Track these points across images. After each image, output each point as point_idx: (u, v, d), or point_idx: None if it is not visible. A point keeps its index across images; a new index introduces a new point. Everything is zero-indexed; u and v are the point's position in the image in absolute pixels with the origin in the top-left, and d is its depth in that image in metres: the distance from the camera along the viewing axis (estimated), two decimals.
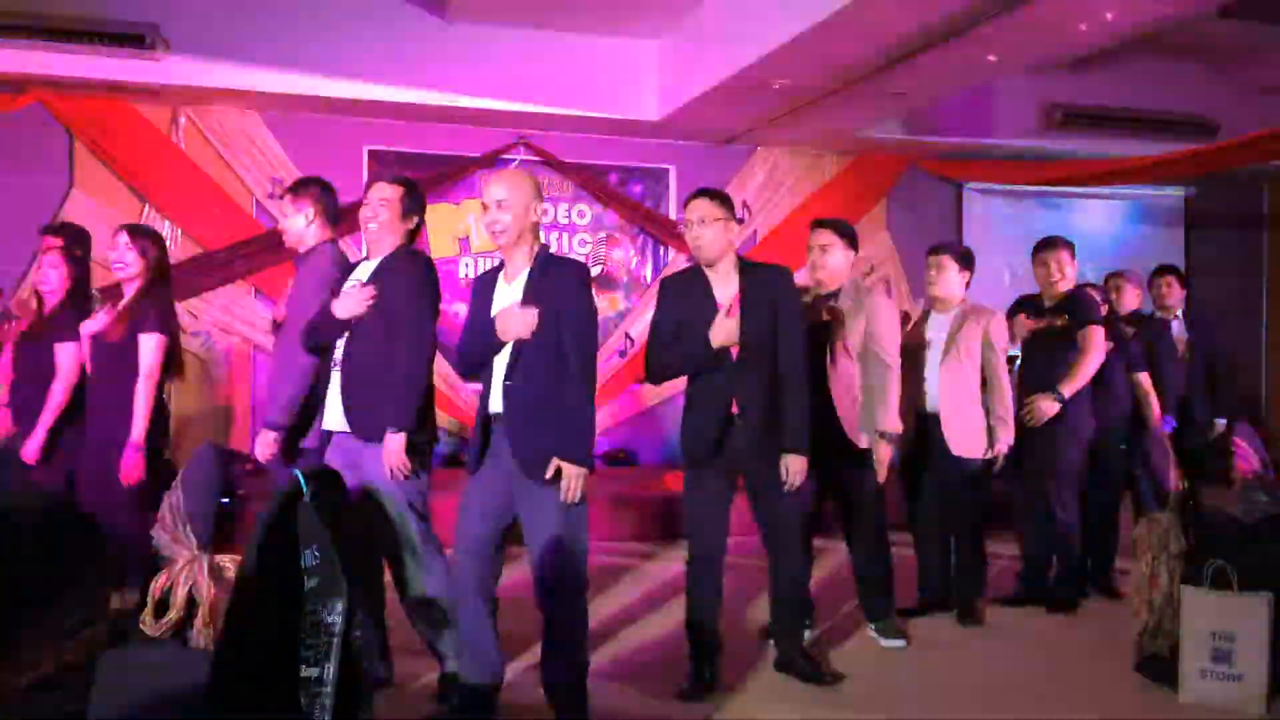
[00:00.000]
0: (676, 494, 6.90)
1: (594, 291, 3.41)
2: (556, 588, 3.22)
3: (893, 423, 4.24)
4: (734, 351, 3.63)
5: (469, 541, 3.29)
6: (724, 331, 3.59)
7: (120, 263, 4.18)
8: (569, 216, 8.33)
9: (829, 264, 4.30)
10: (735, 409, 3.64)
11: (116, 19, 6.45)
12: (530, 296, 3.25)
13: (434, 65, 7.22)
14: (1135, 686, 3.90)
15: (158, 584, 3.03)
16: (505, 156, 8.03)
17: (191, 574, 3.02)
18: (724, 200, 3.78)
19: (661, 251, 8.49)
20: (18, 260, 6.62)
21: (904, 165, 8.84)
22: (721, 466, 3.70)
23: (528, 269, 3.33)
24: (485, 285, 3.42)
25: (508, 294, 3.32)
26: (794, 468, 3.67)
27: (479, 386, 3.38)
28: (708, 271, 3.75)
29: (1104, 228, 9.50)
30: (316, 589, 1.97)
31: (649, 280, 8.36)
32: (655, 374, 3.81)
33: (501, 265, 3.43)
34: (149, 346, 4.09)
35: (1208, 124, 8.11)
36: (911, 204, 8.97)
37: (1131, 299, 5.76)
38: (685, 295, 3.74)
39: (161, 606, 2.99)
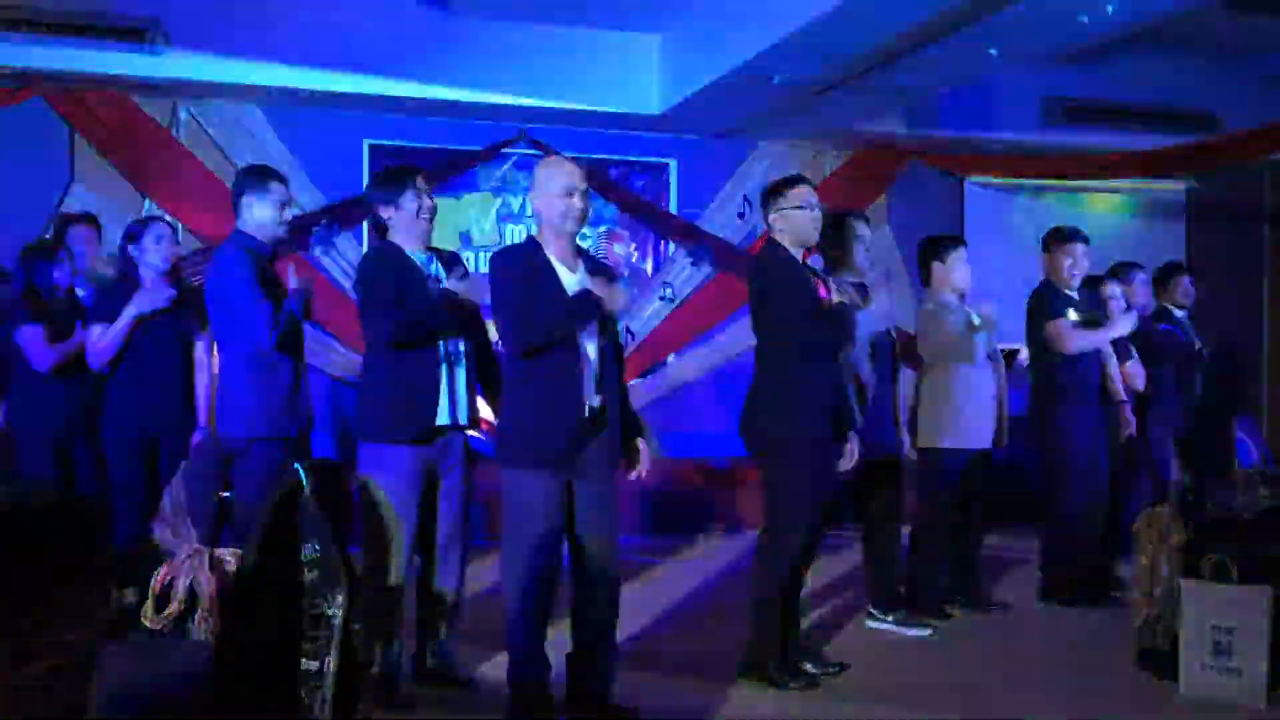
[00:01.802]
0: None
1: None
2: (613, 578, 3.31)
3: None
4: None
5: (554, 538, 3.26)
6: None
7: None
8: None
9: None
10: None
11: (117, 13, 6.44)
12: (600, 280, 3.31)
13: (434, 59, 7.21)
14: (1135, 679, 3.91)
15: (159, 577, 3.04)
16: (506, 150, 8.02)
17: (192, 567, 3.03)
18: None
19: (662, 246, 8.49)
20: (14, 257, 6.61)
21: (905, 159, 8.82)
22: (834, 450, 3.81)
23: (580, 259, 3.40)
24: (537, 261, 3.32)
25: (572, 278, 3.33)
26: (852, 448, 3.90)
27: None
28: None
29: (1105, 221, 9.48)
30: (316, 582, 1.98)
31: (649, 275, 8.35)
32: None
33: (534, 245, 3.38)
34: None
35: (1209, 118, 8.10)
36: (913, 198, 8.96)
37: (1143, 295, 5.78)
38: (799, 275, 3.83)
39: (163, 600, 3.00)
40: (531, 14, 7.19)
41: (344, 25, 7.03)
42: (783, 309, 3.68)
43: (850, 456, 3.79)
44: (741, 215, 8.59)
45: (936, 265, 4.87)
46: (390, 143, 7.84)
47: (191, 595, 2.97)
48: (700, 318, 8.39)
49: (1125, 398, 5.06)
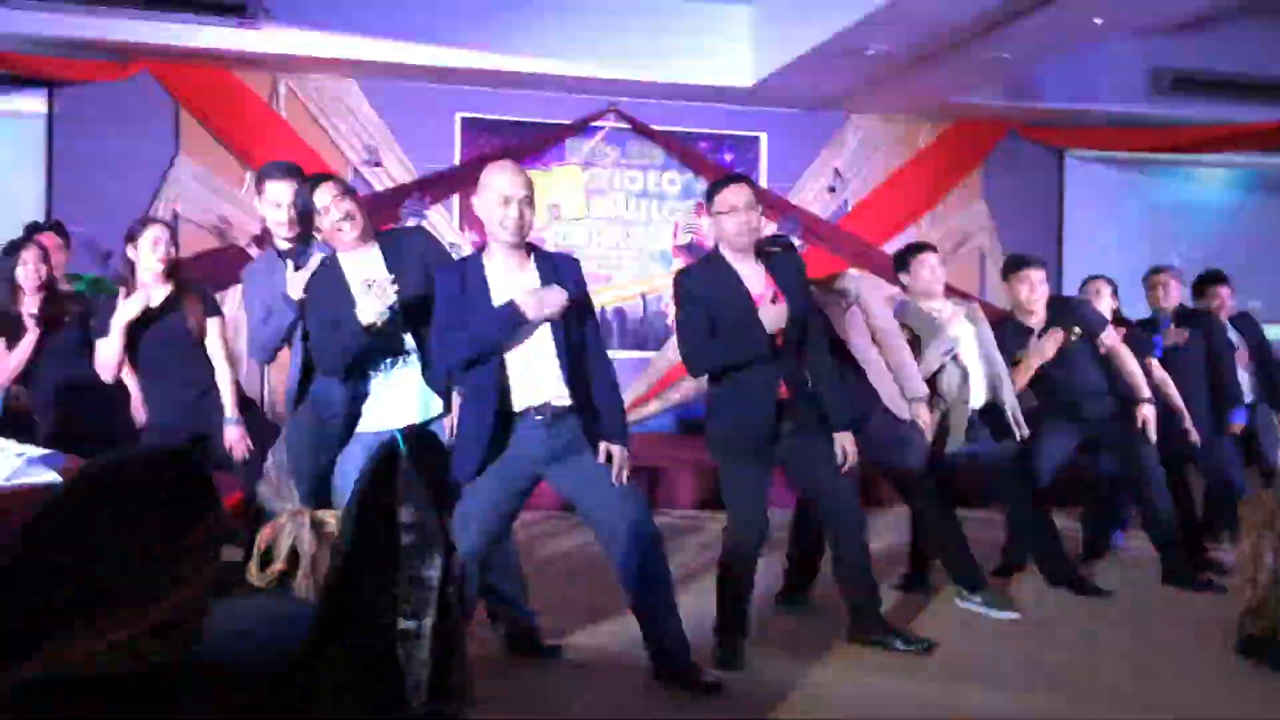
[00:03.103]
0: None
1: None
2: (648, 534, 3.32)
3: (921, 387, 4.24)
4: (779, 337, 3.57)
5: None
6: (774, 317, 3.51)
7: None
8: (659, 184, 8.32)
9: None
10: (785, 394, 3.59)
11: None
12: (549, 281, 3.23)
13: (527, 32, 7.26)
14: (1235, 667, 3.80)
15: (263, 537, 3.15)
16: (596, 123, 8.04)
17: (294, 528, 3.13)
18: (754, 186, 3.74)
19: None
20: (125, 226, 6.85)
21: (1002, 132, 8.63)
22: (767, 455, 3.65)
23: (531, 261, 3.29)
24: (464, 278, 3.26)
25: (512, 284, 3.23)
26: (849, 446, 3.66)
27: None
28: (731, 259, 3.65)
29: (1215, 197, 9.17)
30: (413, 545, 2.02)
31: None
32: (703, 367, 3.69)
33: (474, 258, 3.32)
34: None
35: None
36: (1010, 172, 8.76)
37: (1175, 295, 5.59)
38: (713, 286, 3.61)
39: (266, 559, 3.10)
40: None
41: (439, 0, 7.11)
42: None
43: (844, 456, 3.66)
44: (832, 189, 8.50)
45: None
46: (482, 116, 7.93)
47: (294, 555, 3.08)
48: None
49: (1148, 395, 4.85)
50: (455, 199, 7.92)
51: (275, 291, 3.70)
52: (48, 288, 4.51)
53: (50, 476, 2.68)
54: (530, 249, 3.32)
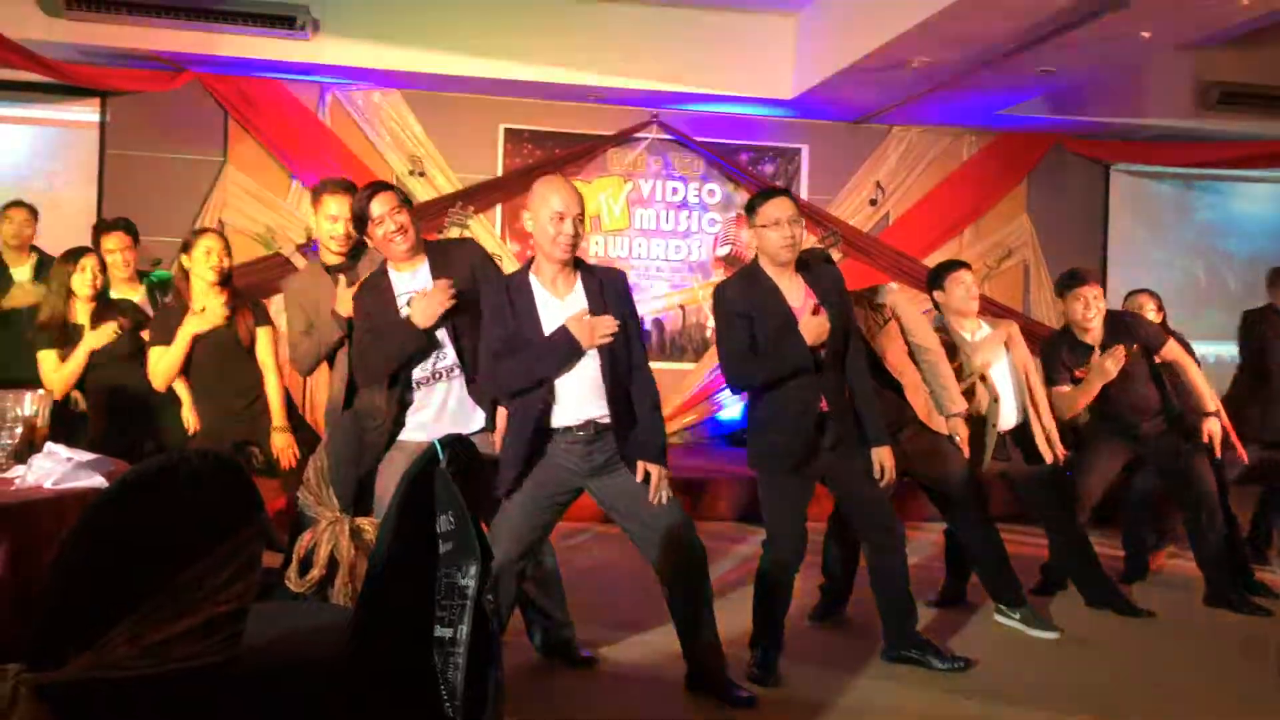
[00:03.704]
0: None
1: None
2: (688, 545, 3.31)
3: (958, 403, 4.20)
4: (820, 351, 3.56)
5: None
6: (815, 329, 3.50)
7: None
8: (699, 195, 8.33)
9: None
10: (825, 407, 3.57)
11: (270, 1, 6.72)
12: (597, 304, 3.22)
13: (568, 44, 7.30)
14: (1276, 690, 3.74)
15: (302, 543, 3.19)
16: (638, 135, 8.07)
17: (333, 535, 3.17)
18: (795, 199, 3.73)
19: None
20: (177, 232, 6.96)
21: (1047, 146, 8.55)
22: (807, 470, 3.63)
23: (577, 278, 3.29)
24: (512, 295, 3.25)
25: (561, 305, 3.24)
26: (887, 461, 3.65)
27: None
28: (771, 272, 3.63)
29: (1263, 212, 9.02)
30: (451, 553, 2.04)
31: None
32: (745, 383, 3.68)
33: (518, 274, 3.32)
34: None
35: None
36: (1055, 186, 8.68)
37: None
38: (753, 299, 3.59)
39: (305, 565, 3.14)
40: None
41: (482, 11, 7.17)
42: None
43: (881, 471, 3.64)
44: (873, 202, 8.46)
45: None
46: (525, 127, 7.98)
47: (332, 561, 3.12)
48: None
49: (1215, 408, 4.73)
50: (498, 209, 7.98)
51: (318, 305, 3.74)
52: (99, 297, 4.57)
53: (97, 481, 2.73)
54: (577, 264, 3.31)
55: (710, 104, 7.82)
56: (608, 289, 3.28)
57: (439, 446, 2.12)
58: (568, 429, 3.23)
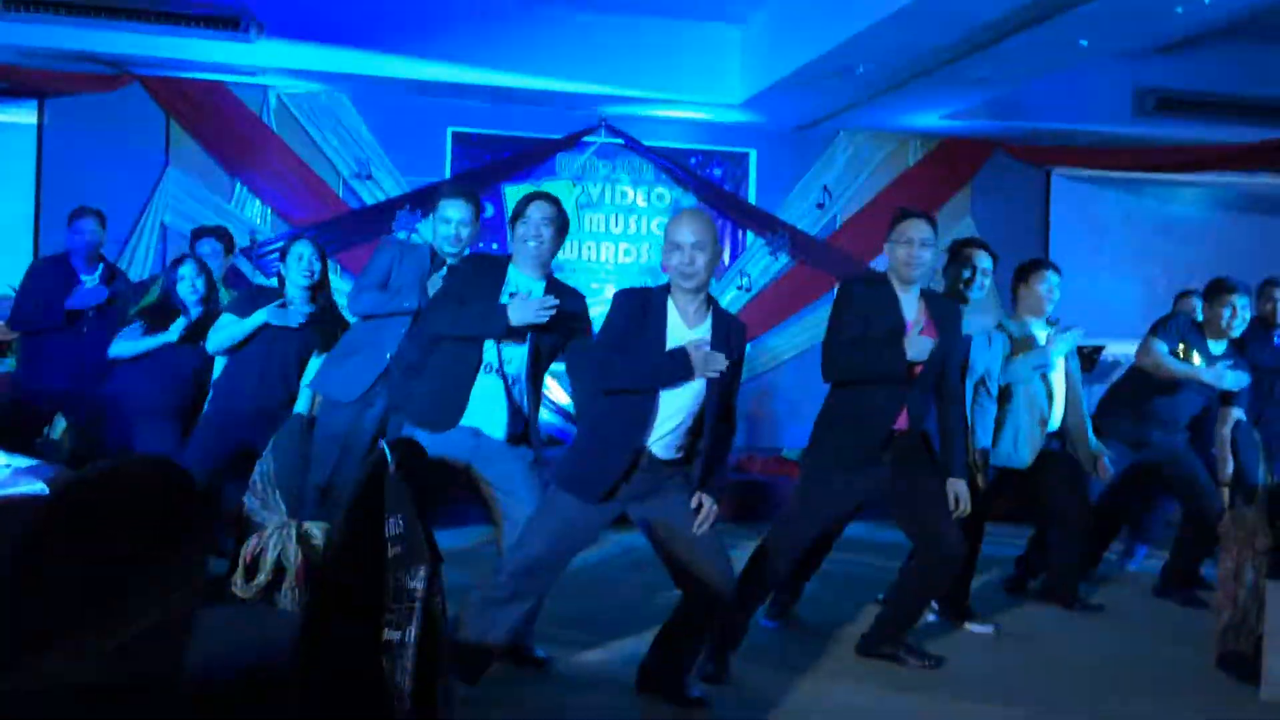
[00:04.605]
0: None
1: None
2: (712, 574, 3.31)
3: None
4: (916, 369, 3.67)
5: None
6: (920, 346, 3.61)
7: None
8: (648, 199, 8.35)
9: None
10: (905, 424, 3.68)
11: (212, 2, 6.63)
12: (720, 345, 3.28)
13: (517, 47, 7.28)
14: (1215, 681, 3.83)
15: (249, 548, 3.16)
16: (586, 139, 8.08)
17: (281, 540, 3.14)
18: (934, 225, 3.84)
19: (740, 235, 8.47)
20: (115, 239, 6.85)
21: (989, 151, 8.69)
22: (859, 479, 3.72)
23: (709, 315, 3.34)
24: (647, 308, 3.33)
25: (687, 333, 3.29)
26: (964, 494, 3.77)
27: None
28: (896, 285, 3.78)
29: (1201, 216, 9.24)
30: (400, 556, 2.04)
31: (726, 263, 8.33)
32: (838, 372, 3.76)
33: (658, 292, 3.38)
34: None
35: None
36: (996, 191, 8.82)
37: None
38: (875, 303, 3.74)
39: (252, 570, 3.11)
40: (615, 4, 7.22)
41: (429, 13, 7.14)
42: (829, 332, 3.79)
43: (955, 503, 3.74)
44: (820, 205, 8.54)
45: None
46: (473, 130, 7.95)
47: (279, 567, 3.09)
48: (777, 307, 8.38)
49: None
50: None
51: (407, 274, 4.03)
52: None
53: (37, 487, 2.69)
54: (711, 302, 3.37)
55: (659, 106, 7.85)
56: (733, 335, 3.37)
57: (387, 450, 2.12)
58: (643, 450, 3.25)
